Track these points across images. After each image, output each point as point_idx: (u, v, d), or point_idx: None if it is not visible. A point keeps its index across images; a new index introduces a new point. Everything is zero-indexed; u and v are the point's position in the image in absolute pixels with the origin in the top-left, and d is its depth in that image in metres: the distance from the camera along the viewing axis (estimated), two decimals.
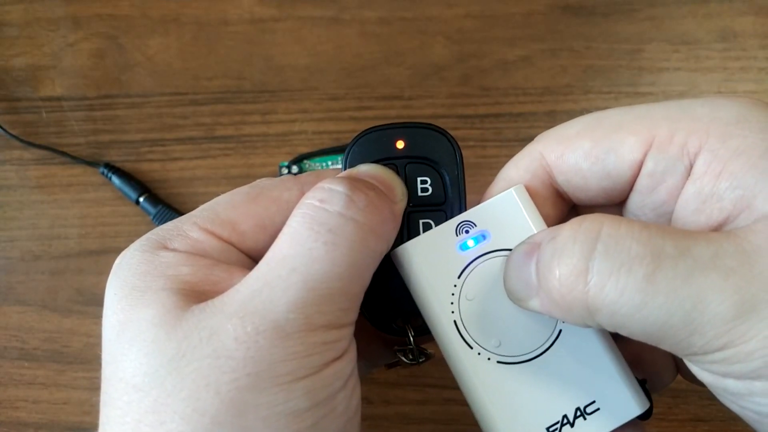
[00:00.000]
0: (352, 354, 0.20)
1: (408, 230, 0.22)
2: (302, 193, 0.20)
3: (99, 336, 0.20)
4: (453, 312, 0.22)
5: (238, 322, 0.18)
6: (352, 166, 0.22)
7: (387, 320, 0.23)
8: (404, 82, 0.42)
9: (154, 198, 0.41)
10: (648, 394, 0.22)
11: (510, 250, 0.21)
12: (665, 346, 0.17)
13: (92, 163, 0.42)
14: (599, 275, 0.17)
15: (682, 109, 0.20)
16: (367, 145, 0.22)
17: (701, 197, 0.19)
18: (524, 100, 0.41)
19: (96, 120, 0.42)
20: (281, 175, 0.40)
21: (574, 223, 0.18)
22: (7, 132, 0.42)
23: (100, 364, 0.20)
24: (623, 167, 0.20)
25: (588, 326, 0.18)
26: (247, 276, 0.19)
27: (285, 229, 0.19)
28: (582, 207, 0.23)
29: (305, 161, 0.41)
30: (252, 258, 0.21)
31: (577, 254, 0.17)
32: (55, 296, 0.41)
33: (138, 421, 0.18)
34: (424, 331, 0.23)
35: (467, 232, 0.22)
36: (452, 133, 0.41)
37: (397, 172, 0.22)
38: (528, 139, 0.41)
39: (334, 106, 0.42)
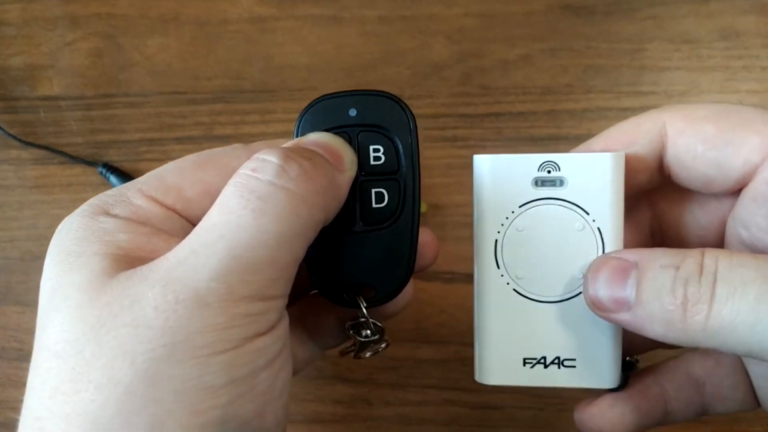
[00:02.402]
0: (281, 332, 0.19)
1: (361, 199, 0.22)
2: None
3: None
4: (498, 232, 0.23)
5: (160, 291, 0.17)
6: (303, 135, 0.22)
7: (338, 290, 0.22)
8: (404, 82, 0.42)
9: None
10: (627, 376, 0.24)
11: (578, 206, 0.23)
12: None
13: (91, 163, 0.41)
14: (718, 302, 0.18)
15: None
16: (319, 114, 0.22)
17: None
18: (524, 100, 0.41)
19: (94, 119, 0.42)
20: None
21: (696, 253, 0.19)
22: (5, 131, 0.42)
23: None
24: (736, 163, 0.21)
25: (690, 346, 0.19)
26: (178, 244, 0.18)
27: (218, 198, 0.19)
28: (672, 190, 0.24)
29: None
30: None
31: (703, 284, 0.19)
32: None
33: (55, 389, 0.18)
34: (374, 302, 0.22)
35: (549, 172, 0.23)
36: (453, 132, 0.41)
37: (350, 141, 0.22)
38: (528, 139, 0.41)
39: None
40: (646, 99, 0.41)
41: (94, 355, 0.17)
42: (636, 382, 0.25)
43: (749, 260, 0.18)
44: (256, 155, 0.20)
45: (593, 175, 0.22)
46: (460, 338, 0.39)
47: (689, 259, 0.19)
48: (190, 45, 0.43)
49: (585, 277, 0.22)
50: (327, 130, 0.22)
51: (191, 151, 0.41)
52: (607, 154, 0.22)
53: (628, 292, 0.20)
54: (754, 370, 0.24)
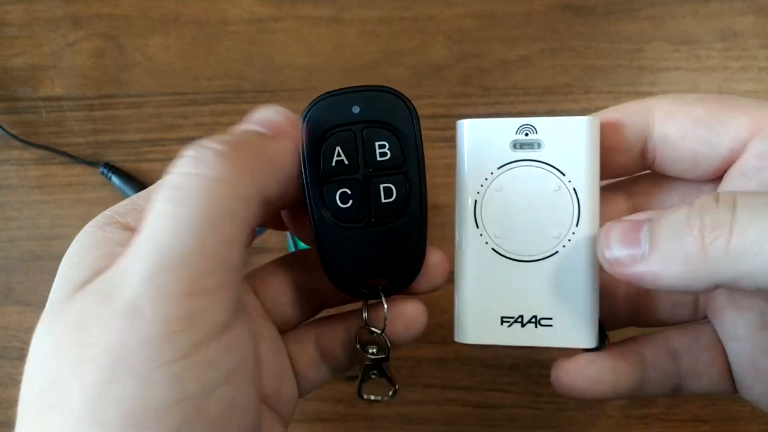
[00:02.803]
0: (238, 340, 0.17)
1: (369, 196, 0.22)
2: None
3: None
4: (478, 193, 0.24)
5: (99, 306, 0.16)
6: (311, 138, 0.22)
7: (354, 284, 0.22)
8: (404, 82, 0.42)
9: None
10: (604, 338, 0.24)
11: (554, 168, 0.23)
12: None
13: (92, 163, 0.42)
14: (740, 224, 0.17)
15: None
16: (322, 111, 0.22)
17: None
18: (524, 100, 0.41)
19: (96, 120, 0.42)
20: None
21: (711, 194, 0.19)
22: (6, 132, 0.42)
23: None
24: (724, 140, 0.21)
25: (707, 287, 0.18)
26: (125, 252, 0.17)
27: None
28: (649, 183, 0.24)
29: None
30: None
31: (721, 210, 0.18)
32: None
33: (29, 408, 0.17)
34: (390, 292, 0.23)
35: (526, 135, 0.24)
36: (453, 133, 0.41)
37: (355, 138, 0.22)
38: None
39: None
40: None
41: (54, 378, 0.16)
42: (614, 346, 0.25)
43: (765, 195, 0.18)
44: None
45: (569, 138, 0.23)
46: None
47: (704, 195, 0.19)
48: (190, 45, 0.43)
49: (597, 240, 0.21)
50: (331, 128, 0.22)
51: None
52: (583, 118, 0.23)
53: (642, 243, 0.19)
54: (732, 347, 0.23)
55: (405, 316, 0.24)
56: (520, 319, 0.24)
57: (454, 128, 0.42)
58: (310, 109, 0.22)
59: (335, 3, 0.43)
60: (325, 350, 0.26)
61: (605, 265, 0.21)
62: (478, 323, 0.24)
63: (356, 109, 0.22)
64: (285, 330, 0.26)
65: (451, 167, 0.41)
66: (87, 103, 0.43)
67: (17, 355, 0.41)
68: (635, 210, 0.25)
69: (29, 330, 0.40)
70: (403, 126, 0.22)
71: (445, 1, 0.43)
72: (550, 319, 0.24)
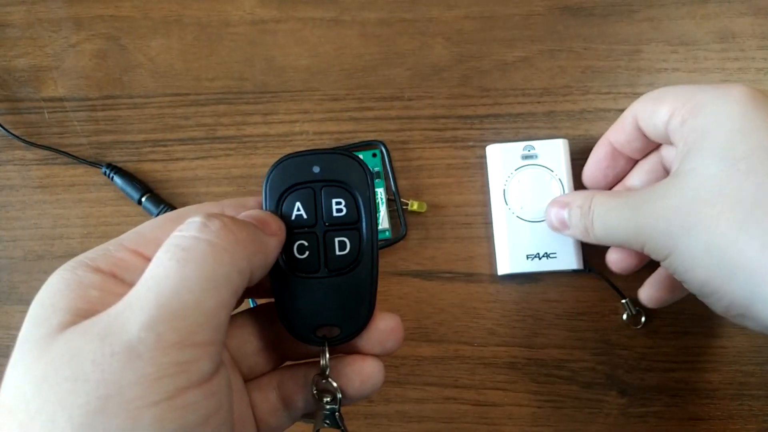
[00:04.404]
0: (216, 388, 0.19)
1: (325, 249, 0.24)
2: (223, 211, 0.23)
3: None
4: (505, 184, 0.40)
5: (98, 345, 0.18)
6: (272, 188, 0.24)
7: (306, 331, 0.24)
8: (404, 83, 0.42)
9: (156, 198, 0.41)
10: (587, 263, 0.39)
11: (547, 168, 0.39)
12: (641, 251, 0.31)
13: (94, 164, 0.42)
14: (595, 225, 0.33)
15: (692, 93, 0.30)
16: (286, 170, 0.24)
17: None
18: (523, 101, 0.42)
19: (98, 120, 0.43)
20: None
21: (588, 197, 0.34)
22: (9, 132, 0.42)
23: None
24: (659, 125, 0.32)
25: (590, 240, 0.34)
26: (125, 296, 0.19)
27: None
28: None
29: None
30: None
31: (590, 217, 0.33)
32: None
33: None
34: (338, 341, 0.24)
35: (528, 150, 0.40)
36: (452, 133, 0.41)
37: (314, 194, 0.24)
38: (527, 139, 0.41)
39: (335, 107, 0.42)
40: None
41: (38, 410, 0.17)
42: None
43: (612, 199, 0.33)
44: (187, 219, 0.21)
45: (553, 151, 0.40)
46: (459, 337, 0.40)
47: (585, 202, 0.34)
48: (192, 46, 0.43)
49: (546, 210, 0.38)
50: (293, 185, 0.24)
51: (194, 152, 0.42)
52: (559, 140, 0.40)
53: (566, 217, 0.35)
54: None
55: (363, 373, 0.26)
56: (537, 255, 0.39)
57: (453, 128, 0.42)
58: (275, 167, 0.24)
59: (336, 4, 0.43)
60: (285, 397, 0.27)
61: (549, 226, 0.38)
62: (512, 260, 0.39)
63: (316, 169, 0.24)
64: (250, 378, 0.27)
65: (450, 167, 0.41)
66: (89, 104, 0.43)
67: None
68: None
69: None
70: (359, 186, 0.24)
71: (444, 2, 0.43)
72: (555, 253, 0.39)
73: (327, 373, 0.25)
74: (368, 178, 0.24)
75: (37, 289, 0.20)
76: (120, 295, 0.20)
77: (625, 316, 0.39)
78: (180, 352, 0.18)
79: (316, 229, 0.24)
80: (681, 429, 0.39)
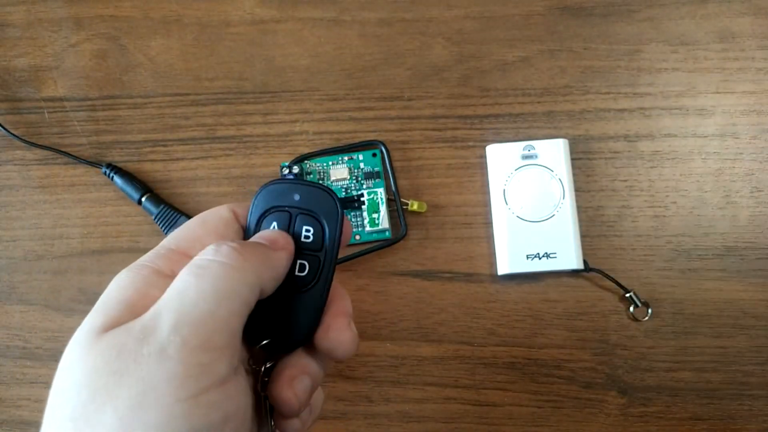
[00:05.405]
0: (233, 392, 0.22)
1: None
2: (234, 212, 0.26)
3: None
4: (505, 184, 0.40)
5: (138, 344, 0.20)
6: (257, 207, 0.27)
7: (253, 339, 0.26)
8: (404, 83, 0.42)
9: (156, 198, 0.41)
10: (586, 263, 0.40)
11: (547, 168, 0.40)
12: None
13: (95, 164, 0.42)
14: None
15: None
16: (271, 194, 0.27)
17: None
18: (523, 101, 0.42)
19: (98, 120, 0.43)
20: (282, 175, 0.41)
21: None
22: (9, 132, 0.42)
23: None
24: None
25: None
26: (153, 306, 0.22)
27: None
28: None
29: (306, 161, 0.41)
30: None
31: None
32: (58, 296, 0.41)
33: (60, 422, 0.20)
34: (276, 351, 0.26)
35: (528, 150, 0.40)
36: (452, 133, 0.41)
37: (290, 218, 0.27)
38: (527, 139, 0.41)
39: (335, 107, 0.42)
40: (642, 100, 0.41)
41: (89, 399, 0.20)
42: None
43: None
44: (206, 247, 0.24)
45: (553, 150, 0.40)
46: (459, 336, 0.40)
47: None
48: (192, 46, 0.43)
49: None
50: (273, 207, 0.27)
51: (194, 152, 0.42)
52: (559, 140, 0.40)
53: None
54: None
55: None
56: (537, 255, 0.39)
57: (453, 128, 0.42)
58: (262, 189, 0.27)
59: (336, 4, 0.43)
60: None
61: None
62: (512, 260, 0.39)
63: (297, 197, 0.27)
64: None
65: (450, 167, 0.41)
66: (89, 104, 0.43)
67: (19, 354, 0.41)
68: None
69: (32, 329, 0.41)
70: (329, 219, 0.27)
71: (445, 2, 0.43)
72: (555, 253, 0.39)
73: (266, 379, 0.26)
74: (339, 214, 0.27)
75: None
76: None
77: (631, 308, 0.39)
78: (202, 354, 0.21)
79: None
80: (681, 429, 0.39)
